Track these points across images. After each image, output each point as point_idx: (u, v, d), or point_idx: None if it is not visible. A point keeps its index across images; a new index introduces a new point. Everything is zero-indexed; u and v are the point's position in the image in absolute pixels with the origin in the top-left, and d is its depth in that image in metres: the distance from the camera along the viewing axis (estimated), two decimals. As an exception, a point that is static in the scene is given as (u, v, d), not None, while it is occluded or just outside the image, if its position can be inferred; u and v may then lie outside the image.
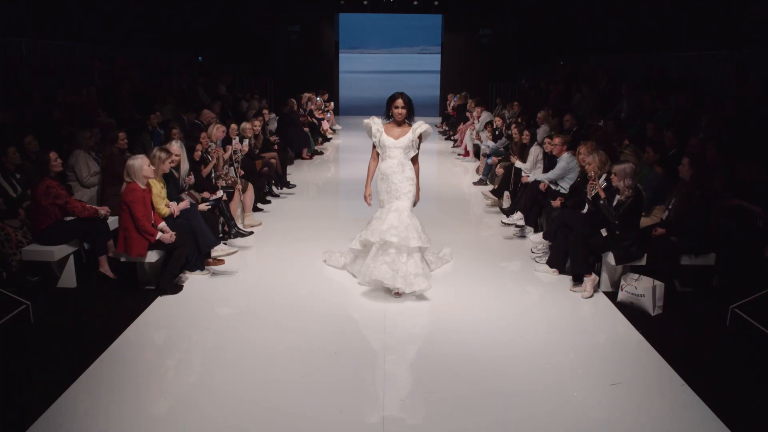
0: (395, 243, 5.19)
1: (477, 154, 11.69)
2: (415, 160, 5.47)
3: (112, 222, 5.75)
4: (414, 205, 5.47)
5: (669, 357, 4.31)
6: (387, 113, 5.44)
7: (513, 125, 8.96)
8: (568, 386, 4.00)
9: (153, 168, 5.41)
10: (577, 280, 5.55)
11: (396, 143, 5.38)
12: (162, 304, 5.18)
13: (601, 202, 5.49)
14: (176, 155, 6.04)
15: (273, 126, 11.85)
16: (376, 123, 5.46)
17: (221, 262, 5.96)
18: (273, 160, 9.11)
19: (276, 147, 9.98)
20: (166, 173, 5.73)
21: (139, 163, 5.31)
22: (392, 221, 5.26)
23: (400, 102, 5.35)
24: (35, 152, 6.10)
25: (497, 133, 10.43)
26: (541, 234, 6.48)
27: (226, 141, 7.56)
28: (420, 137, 5.43)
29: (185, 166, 6.37)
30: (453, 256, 6.24)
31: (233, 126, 7.99)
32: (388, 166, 5.40)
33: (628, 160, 5.72)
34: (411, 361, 4.31)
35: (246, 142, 7.56)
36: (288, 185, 9.49)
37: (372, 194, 5.56)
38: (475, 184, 10.05)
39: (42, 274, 5.47)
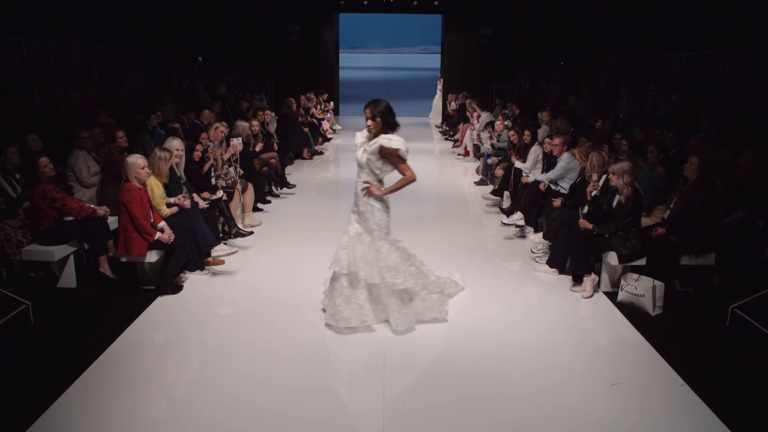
0: (343, 273, 4.62)
1: (477, 154, 11.69)
2: (404, 170, 4.55)
3: (112, 222, 5.75)
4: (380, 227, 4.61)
5: (669, 357, 4.31)
6: None
7: (511, 127, 8.94)
8: (568, 386, 4.00)
9: (148, 171, 5.41)
10: (577, 280, 5.55)
11: (359, 159, 4.63)
12: (162, 304, 5.19)
13: (596, 231, 5.48)
14: (178, 150, 6.08)
15: (273, 126, 11.85)
16: (357, 138, 4.74)
17: (221, 262, 5.96)
18: (273, 160, 9.11)
19: (276, 147, 9.98)
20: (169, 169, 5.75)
21: (133, 160, 5.32)
22: (341, 247, 4.65)
23: (367, 113, 4.54)
24: (36, 151, 6.11)
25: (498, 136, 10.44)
26: (541, 234, 6.49)
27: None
28: (382, 152, 4.50)
29: (182, 163, 6.39)
30: (456, 286, 5.33)
31: (221, 128, 7.68)
32: (356, 184, 4.68)
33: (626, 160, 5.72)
34: (411, 362, 4.30)
35: (239, 140, 7.47)
36: (288, 185, 9.49)
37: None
38: (476, 184, 10.05)
39: (44, 270, 5.48)
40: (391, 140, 4.49)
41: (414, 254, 4.94)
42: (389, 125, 4.54)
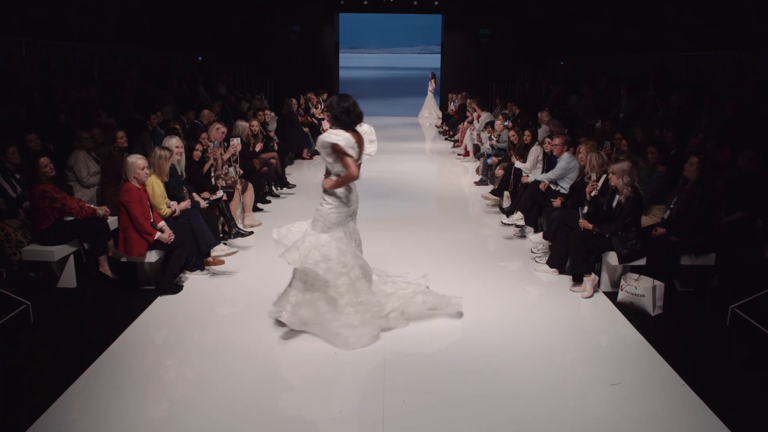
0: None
1: (477, 154, 11.69)
2: (347, 165, 4.43)
3: (112, 222, 5.75)
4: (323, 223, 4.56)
5: (669, 357, 4.31)
6: None
7: (511, 127, 8.94)
8: (568, 386, 4.00)
9: (148, 172, 5.41)
10: (577, 280, 5.55)
11: None
12: (162, 304, 5.19)
13: (597, 231, 5.48)
14: (177, 147, 6.08)
15: (273, 126, 11.84)
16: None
17: (221, 262, 5.96)
18: (273, 160, 9.11)
19: (275, 147, 9.98)
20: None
21: (133, 160, 5.32)
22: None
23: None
24: (36, 151, 6.11)
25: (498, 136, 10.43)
26: (541, 234, 6.49)
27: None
28: (333, 147, 4.42)
29: (183, 160, 6.40)
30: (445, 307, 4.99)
31: (222, 129, 7.55)
32: None
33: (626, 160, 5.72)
34: (411, 362, 4.30)
35: (238, 140, 7.44)
36: (288, 185, 9.49)
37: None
38: (476, 184, 10.05)
39: (44, 270, 5.49)
40: (332, 135, 4.44)
41: (354, 266, 4.62)
42: (340, 121, 4.50)
